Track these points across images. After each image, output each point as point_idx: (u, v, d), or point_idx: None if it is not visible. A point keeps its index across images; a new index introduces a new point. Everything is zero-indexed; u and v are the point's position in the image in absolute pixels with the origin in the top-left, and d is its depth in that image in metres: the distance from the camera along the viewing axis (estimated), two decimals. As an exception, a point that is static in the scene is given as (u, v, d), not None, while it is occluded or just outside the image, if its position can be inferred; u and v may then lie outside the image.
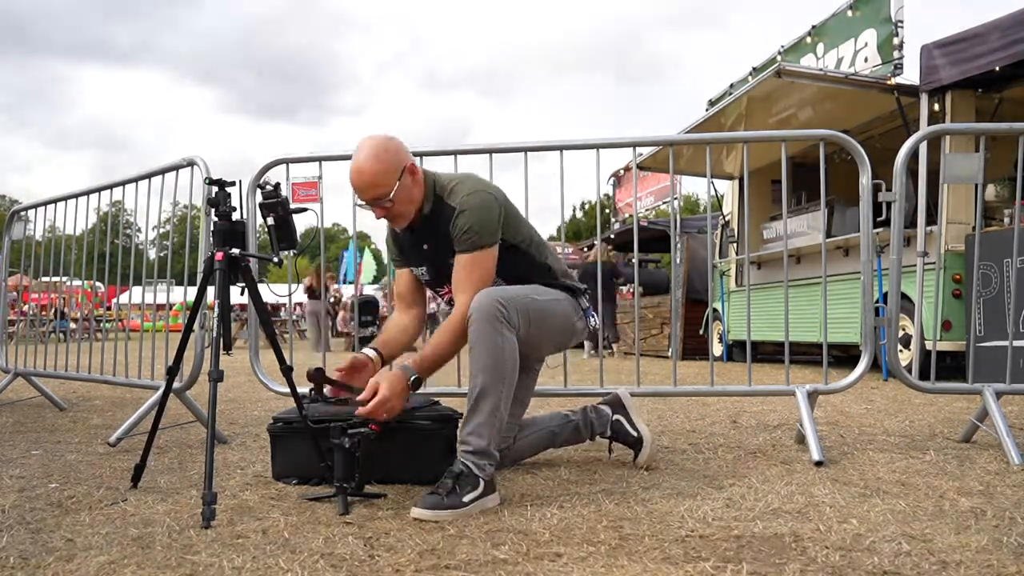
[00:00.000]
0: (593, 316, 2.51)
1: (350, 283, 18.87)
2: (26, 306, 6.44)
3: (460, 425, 2.19)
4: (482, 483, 2.03)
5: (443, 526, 1.85)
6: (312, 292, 13.15)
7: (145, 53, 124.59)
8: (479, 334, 2.07)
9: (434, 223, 2.28)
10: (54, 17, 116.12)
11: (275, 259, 2.40)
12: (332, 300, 14.92)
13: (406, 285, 2.52)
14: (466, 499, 1.97)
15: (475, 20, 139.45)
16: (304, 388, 2.28)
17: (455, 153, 3.22)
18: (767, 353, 7.19)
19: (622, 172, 14.35)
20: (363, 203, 2.25)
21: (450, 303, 2.34)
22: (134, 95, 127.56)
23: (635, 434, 2.57)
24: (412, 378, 2.13)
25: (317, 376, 2.22)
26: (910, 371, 3.00)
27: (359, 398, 2.10)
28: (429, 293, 2.58)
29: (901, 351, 5.70)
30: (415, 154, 3.23)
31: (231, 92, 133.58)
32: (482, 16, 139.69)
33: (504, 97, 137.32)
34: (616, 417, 2.61)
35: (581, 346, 9.82)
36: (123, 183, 3.69)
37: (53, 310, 6.22)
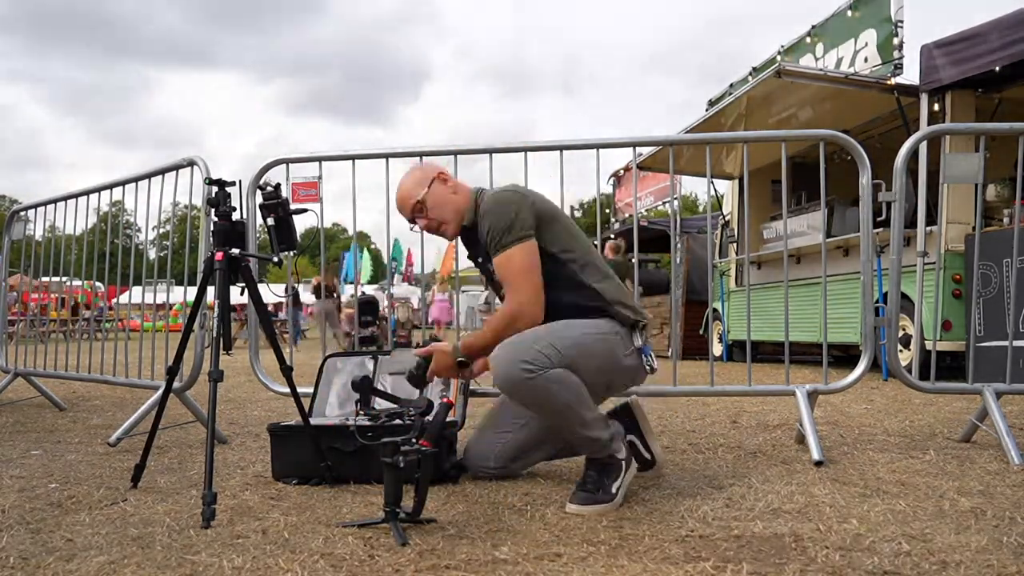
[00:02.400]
0: (650, 355, 2.28)
1: (350, 283, 18.89)
2: (30, 298, 6.43)
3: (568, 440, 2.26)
4: (623, 464, 2.12)
5: (443, 526, 1.85)
6: (318, 291, 13.28)
7: (223, 56, 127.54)
8: (528, 402, 2.11)
9: (474, 234, 2.35)
10: (143, 19, 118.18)
11: (275, 259, 2.40)
12: (337, 299, 15.00)
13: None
14: (614, 489, 2.07)
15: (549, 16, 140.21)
16: (304, 388, 2.28)
17: (455, 153, 3.22)
18: (767, 353, 7.18)
19: (622, 172, 14.35)
20: (412, 224, 2.40)
21: None
22: (207, 97, 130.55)
23: (648, 457, 2.45)
24: (459, 358, 2.22)
25: (364, 386, 2.22)
26: (910, 371, 3.00)
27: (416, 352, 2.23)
28: None
29: (901, 351, 5.70)
30: (415, 154, 3.25)
31: (308, 93, 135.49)
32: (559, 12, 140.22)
33: (575, 95, 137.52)
34: (630, 438, 2.45)
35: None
36: (123, 183, 3.70)
37: (69, 307, 6.23)
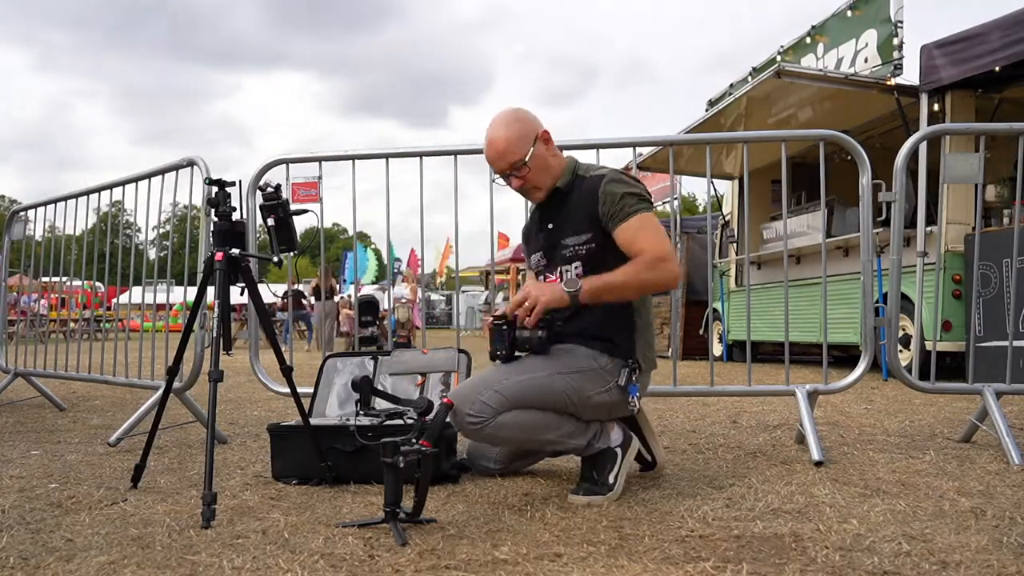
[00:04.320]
0: (636, 396, 2.20)
1: (350, 283, 18.90)
2: (29, 299, 6.43)
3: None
4: (618, 453, 2.11)
5: (443, 526, 1.85)
6: (318, 293, 13.34)
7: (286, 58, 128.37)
8: (483, 441, 2.19)
9: (565, 196, 2.26)
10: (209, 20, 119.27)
11: (275, 259, 2.40)
12: (339, 300, 15.04)
13: None
14: (611, 480, 2.07)
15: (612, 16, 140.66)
16: (304, 388, 2.27)
17: (455, 153, 3.22)
18: (767, 353, 7.18)
19: (622, 172, 14.31)
20: (499, 177, 2.28)
21: None
22: (267, 99, 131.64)
23: (649, 459, 2.46)
24: (571, 291, 2.04)
25: (364, 385, 2.21)
26: (910, 371, 3.00)
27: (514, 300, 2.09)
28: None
29: (901, 351, 5.70)
30: (414, 154, 3.25)
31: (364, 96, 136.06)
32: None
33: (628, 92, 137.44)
34: None
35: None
36: (123, 183, 3.70)
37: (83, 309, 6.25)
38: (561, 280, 2.22)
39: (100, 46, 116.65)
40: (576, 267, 2.22)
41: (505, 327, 2.12)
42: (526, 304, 2.04)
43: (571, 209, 2.24)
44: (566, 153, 2.40)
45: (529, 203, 2.68)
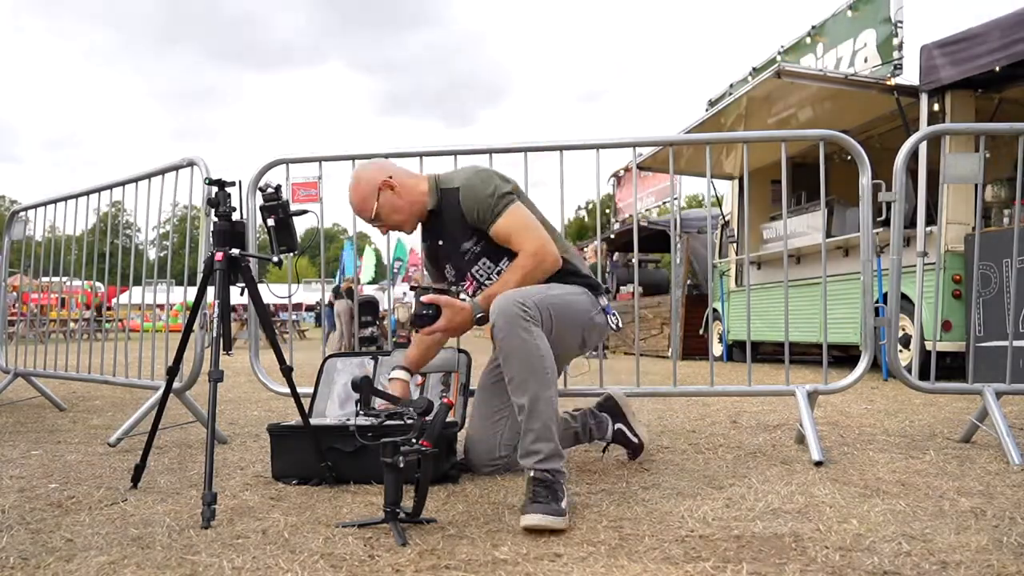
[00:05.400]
0: (614, 314, 2.48)
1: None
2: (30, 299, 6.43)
3: (521, 434, 2.06)
4: (563, 484, 1.98)
5: (443, 526, 1.85)
6: (338, 293, 14.08)
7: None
8: (512, 342, 2.07)
9: (440, 213, 2.44)
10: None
11: (275, 259, 2.40)
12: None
13: None
14: (563, 505, 1.90)
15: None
16: (304, 388, 2.28)
17: (455, 153, 3.22)
18: (767, 353, 7.19)
19: (622, 172, 14.36)
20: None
21: (473, 294, 2.44)
22: (306, 97, 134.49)
23: (636, 440, 2.64)
24: (478, 315, 2.24)
25: (364, 386, 2.21)
26: (910, 371, 3.00)
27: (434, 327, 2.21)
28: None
29: (901, 351, 5.70)
30: (414, 154, 3.24)
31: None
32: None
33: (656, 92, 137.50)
34: (618, 426, 2.65)
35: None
36: (123, 183, 3.69)
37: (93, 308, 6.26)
38: (474, 284, 2.45)
39: (143, 45, 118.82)
40: (483, 262, 2.41)
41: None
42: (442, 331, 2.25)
43: (448, 223, 2.42)
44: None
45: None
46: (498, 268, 2.40)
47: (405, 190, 2.43)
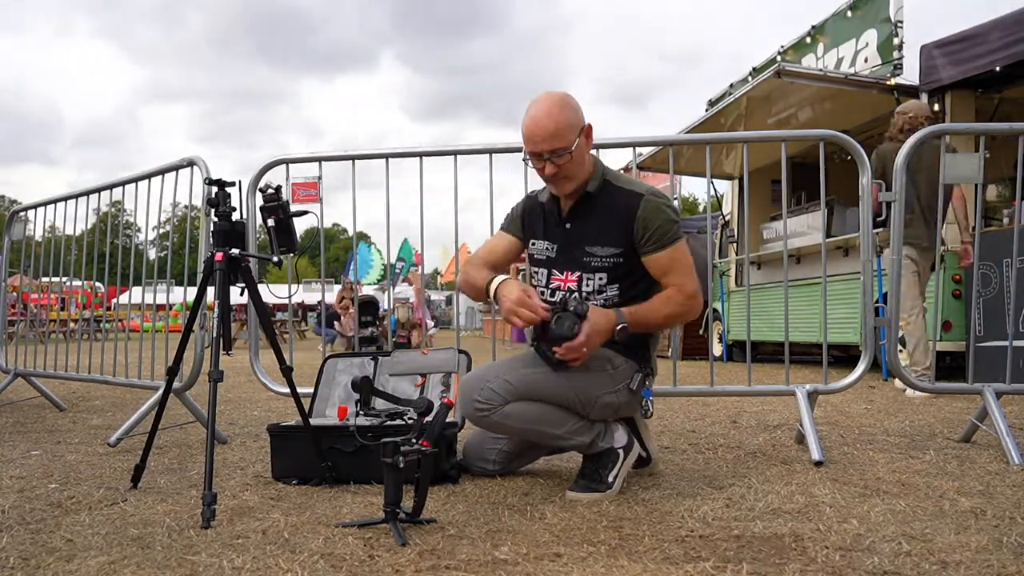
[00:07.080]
0: (649, 399, 2.30)
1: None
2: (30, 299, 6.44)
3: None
4: (620, 453, 2.09)
5: (443, 526, 1.85)
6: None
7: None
8: (487, 430, 2.20)
9: (594, 202, 2.22)
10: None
11: (275, 259, 2.40)
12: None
13: (503, 250, 2.41)
14: (611, 478, 2.05)
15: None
16: (304, 388, 2.27)
17: (455, 153, 3.22)
18: (767, 353, 7.18)
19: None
20: (529, 157, 2.18)
21: (553, 292, 2.27)
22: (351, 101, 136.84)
23: (644, 455, 2.48)
24: (620, 326, 2.08)
25: (364, 385, 2.21)
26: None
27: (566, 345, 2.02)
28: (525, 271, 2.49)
29: (901, 351, 5.70)
30: (414, 154, 3.25)
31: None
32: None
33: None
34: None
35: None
36: (123, 183, 3.70)
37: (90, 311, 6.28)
38: (571, 282, 2.24)
39: (192, 45, 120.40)
40: (600, 278, 2.22)
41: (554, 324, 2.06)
42: (581, 349, 2.04)
43: (599, 217, 2.21)
44: None
45: (531, 184, 2.61)
46: (610, 288, 2.22)
47: (589, 155, 2.23)
